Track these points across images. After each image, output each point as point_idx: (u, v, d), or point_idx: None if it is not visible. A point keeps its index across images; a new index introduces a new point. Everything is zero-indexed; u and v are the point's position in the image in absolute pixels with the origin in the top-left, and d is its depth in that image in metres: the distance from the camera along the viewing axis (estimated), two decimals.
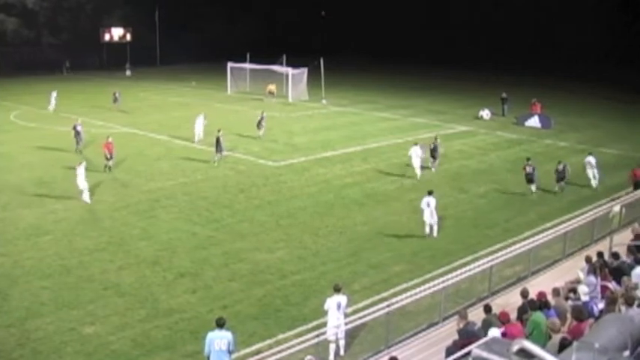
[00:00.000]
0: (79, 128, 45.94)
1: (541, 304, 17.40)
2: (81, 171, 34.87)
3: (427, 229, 30.49)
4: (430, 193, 30.71)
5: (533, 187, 37.84)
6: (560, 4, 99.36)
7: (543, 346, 14.76)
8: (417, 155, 40.91)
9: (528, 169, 37.94)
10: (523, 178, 38.51)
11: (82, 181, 34.78)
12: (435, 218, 30.44)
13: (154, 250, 28.09)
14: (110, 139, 41.29)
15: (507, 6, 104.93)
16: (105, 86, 71.63)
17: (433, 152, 42.97)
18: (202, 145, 47.78)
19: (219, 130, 43.67)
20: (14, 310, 22.41)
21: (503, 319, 16.79)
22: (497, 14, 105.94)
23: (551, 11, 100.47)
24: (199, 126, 50.11)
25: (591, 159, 40.44)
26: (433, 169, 42.83)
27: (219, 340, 16.92)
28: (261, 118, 51.64)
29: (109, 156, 40.60)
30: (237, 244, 28.86)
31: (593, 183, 39.65)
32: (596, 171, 39.83)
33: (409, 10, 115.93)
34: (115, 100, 65.43)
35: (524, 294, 18.62)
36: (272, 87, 72.69)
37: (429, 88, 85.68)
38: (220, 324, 17.13)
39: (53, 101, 63.31)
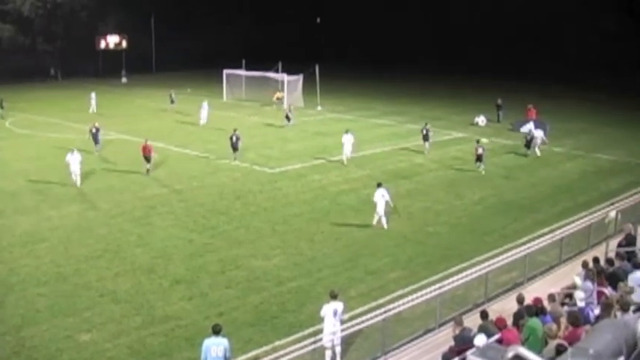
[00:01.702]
0: (94, 131, 47.42)
1: (537, 309, 17.40)
2: (73, 157, 38.76)
3: (376, 220, 32.15)
4: (380, 185, 32.56)
5: (482, 165, 43.13)
6: (558, 11, 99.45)
7: (539, 351, 14.78)
8: (348, 141, 45.21)
9: (480, 151, 43.10)
10: (516, 185, 40.67)
11: (74, 166, 38.71)
12: (389, 208, 32.35)
13: (149, 257, 28.08)
14: (148, 142, 42.18)
15: (504, 13, 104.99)
16: (102, 93, 71.57)
17: (425, 137, 48.88)
18: (198, 151, 47.89)
19: (234, 130, 45.82)
20: (9, 318, 22.38)
21: (499, 325, 16.79)
22: (494, 21, 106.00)
23: (549, 17, 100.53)
24: (204, 112, 59.41)
25: (539, 132, 50.31)
26: (426, 153, 48.61)
27: (215, 346, 16.92)
28: (289, 111, 60.55)
29: (148, 158, 41.74)
30: (233, 251, 28.85)
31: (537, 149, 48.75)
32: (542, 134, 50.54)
33: (405, 16, 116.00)
34: (172, 101, 68.25)
35: (520, 300, 18.63)
36: (280, 94, 72.84)
37: (424, 95, 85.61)
38: (216, 331, 17.13)
39: (93, 103, 65.95)
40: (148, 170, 41.82)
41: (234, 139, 45.36)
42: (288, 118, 60.06)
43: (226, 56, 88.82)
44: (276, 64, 73.61)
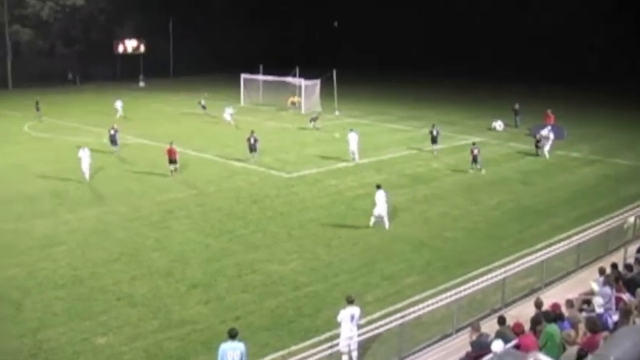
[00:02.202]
0: (112, 132, 48.81)
1: (556, 315, 17.29)
2: (84, 154, 41.21)
3: (387, 224, 32.42)
4: (379, 187, 32.93)
5: (478, 166, 44.57)
6: (571, 15, 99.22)
7: (557, 358, 14.71)
8: (353, 140, 47.70)
9: (475, 152, 44.59)
10: (533, 190, 40.74)
11: (85, 164, 41.04)
12: (387, 209, 32.76)
13: (167, 261, 28.13)
14: (173, 145, 42.81)
15: (519, 17, 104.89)
16: (120, 97, 71.78)
17: (434, 139, 50.37)
18: (214, 156, 48.05)
19: (252, 132, 46.92)
20: (27, 321, 22.49)
21: (517, 331, 16.70)
22: (508, 26, 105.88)
23: (563, 22, 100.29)
24: (227, 115, 62.32)
25: (547, 132, 51.15)
26: (435, 153, 50.24)
27: (231, 351, 16.90)
28: (316, 117, 62.68)
29: (172, 160, 42.69)
30: (249, 256, 28.84)
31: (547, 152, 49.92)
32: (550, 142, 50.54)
33: (419, 21, 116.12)
34: (203, 107, 68.88)
35: (539, 304, 18.52)
36: (294, 99, 72.88)
37: (440, 99, 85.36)
38: (233, 335, 17.10)
39: (119, 109, 66.70)
40: (173, 171, 42.62)
41: (252, 140, 46.27)
42: (313, 121, 61.60)
43: (244, 60, 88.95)
44: (293, 68, 73.65)
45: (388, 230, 32.19)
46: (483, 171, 44.16)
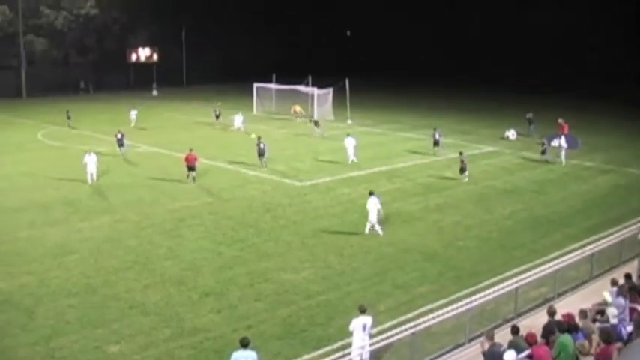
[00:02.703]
0: (119, 136, 51.37)
1: (569, 326, 17.16)
2: (90, 158, 42.59)
3: (368, 228, 32.81)
4: (372, 193, 33.32)
5: (465, 176, 44.53)
6: (584, 24, 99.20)
7: None
8: (350, 145, 49.77)
9: (465, 162, 44.91)
10: (546, 199, 40.64)
11: (91, 166, 42.54)
12: (380, 216, 33.16)
13: (179, 269, 28.15)
14: (193, 152, 43.33)
15: (531, 26, 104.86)
16: (135, 107, 71.98)
17: (436, 143, 53.43)
18: (227, 164, 48.13)
19: (259, 138, 48.14)
20: (40, 328, 22.53)
21: (530, 341, 16.62)
22: (521, 34, 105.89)
23: (575, 30, 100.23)
24: (238, 121, 64.44)
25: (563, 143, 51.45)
26: (441, 157, 51.79)
27: (243, 359, 16.90)
28: (317, 121, 64.15)
29: (190, 167, 43.06)
30: (262, 264, 28.83)
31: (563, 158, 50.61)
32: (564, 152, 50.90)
33: (431, 30, 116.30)
34: (217, 117, 68.79)
35: (552, 312, 18.40)
36: (296, 107, 72.74)
37: (452, 107, 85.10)
38: (245, 343, 17.11)
39: (134, 118, 67.29)
40: (192, 178, 42.99)
41: (261, 145, 47.41)
42: (316, 124, 63.38)
43: (257, 69, 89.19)
44: (306, 77, 73.65)
45: (401, 239, 32.15)
46: (465, 180, 44.32)
